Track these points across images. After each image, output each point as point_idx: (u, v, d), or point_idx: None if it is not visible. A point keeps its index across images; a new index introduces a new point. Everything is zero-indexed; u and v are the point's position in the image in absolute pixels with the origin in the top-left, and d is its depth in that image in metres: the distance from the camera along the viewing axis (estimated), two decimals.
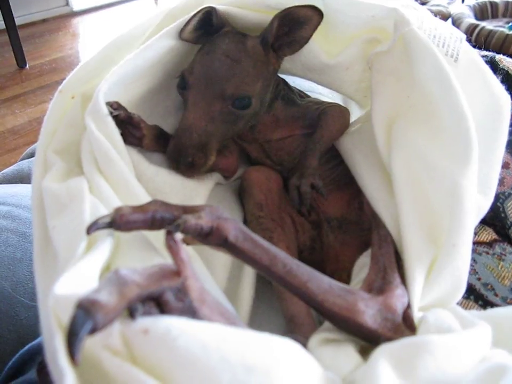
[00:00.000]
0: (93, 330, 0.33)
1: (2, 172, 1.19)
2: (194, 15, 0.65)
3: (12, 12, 3.00)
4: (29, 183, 1.11)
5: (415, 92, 0.58)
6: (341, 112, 0.74)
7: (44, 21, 4.06)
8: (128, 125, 0.62)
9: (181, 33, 0.65)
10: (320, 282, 0.47)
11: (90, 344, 0.34)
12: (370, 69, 0.65)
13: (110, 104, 0.59)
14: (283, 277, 0.46)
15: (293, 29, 0.66)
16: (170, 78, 0.68)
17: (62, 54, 3.48)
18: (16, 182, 1.14)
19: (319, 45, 0.70)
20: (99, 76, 0.65)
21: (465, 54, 0.60)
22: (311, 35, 0.67)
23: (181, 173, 0.63)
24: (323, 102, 0.78)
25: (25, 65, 3.23)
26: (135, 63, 0.62)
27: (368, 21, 0.64)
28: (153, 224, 0.45)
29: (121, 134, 0.61)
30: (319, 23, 0.66)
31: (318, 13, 0.65)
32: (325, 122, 0.71)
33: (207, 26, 0.66)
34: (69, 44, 3.67)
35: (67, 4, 4.22)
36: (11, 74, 3.16)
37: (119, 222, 0.43)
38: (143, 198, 0.54)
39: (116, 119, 0.59)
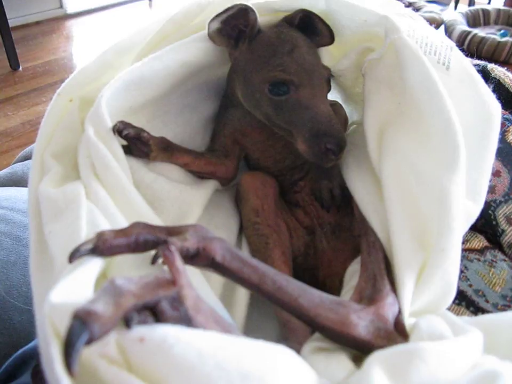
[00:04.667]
0: (90, 341, 0.33)
1: None
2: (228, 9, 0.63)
3: (5, 13, 2.99)
4: (23, 186, 1.11)
5: (405, 99, 0.59)
6: (342, 113, 0.76)
7: (37, 23, 4.06)
8: (136, 141, 0.62)
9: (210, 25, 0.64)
10: (311, 297, 0.47)
11: (87, 353, 0.34)
12: (363, 76, 0.65)
13: (116, 127, 0.59)
14: (273, 294, 0.46)
15: (305, 32, 0.67)
16: (175, 86, 0.68)
17: (56, 57, 3.47)
18: (9, 185, 1.14)
19: (325, 49, 0.72)
20: (98, 80, 0.65)
21: (457, 62, 0.61)
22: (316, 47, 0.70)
23: (339, 160, 0.61)
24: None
25: (19, 67, 3.22)
26: (142, 72, 0.62)
27: (361, 25, 0.65)
28: (136, 247, 0.45)
29: (128, 147, 0.61)
30: (326, 45, 0.69)
31: (331, 38, 0.68)
32: None
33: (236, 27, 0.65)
34: (62, 46, 3.67)
35: (61, 6, 4.21)
36: (4, 76, 3.16)
37: (102, 247, 0.43)
38: (139, 204, 0.55)
39: (126, 137, 0.60)
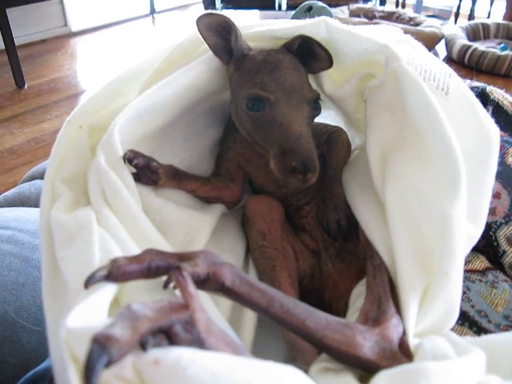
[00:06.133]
0: (108, 364, 0.34)
1: (3, 194, 1.21)
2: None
3: (11, 32, 3.03)
4: (30, 206, 1.12)
5: (407, 125, 0.60)
6: (345, 138, 0.77)
7: (42, 41, 4.11)
8: (145, 169, 0.63)
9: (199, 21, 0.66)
10: (317, 319, 0.48)
11: (104, 375, 0.35)
12: (365, 102, 0.67)
13: (127, 156, 0.60)
14: (281, 317, 0.47)
15: (305, 58, 0.69)
16: (184, 112, 0.69)
17: (60, 74, 3.51)
18: (17, 205, 1.16)
19: (326, 74, 0.73)
20: (107, 107, 0.67)
21: (456, 88, 0.62)
22: (316, 73, 0.72)
23: (307, 182, 0.60)
24: (327, 124, 0.81)
25: (24, 85, 3.26)
26: (153, 100, 0.63)
27: (362, 53, 0.67)
28: (149, 273, 0.47)
29: (137, 174, 0.63)
30: (326, 69, 0.70)
31: (330, 61, 0.69)
32: (336, 148, 0.74)
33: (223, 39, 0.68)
34: (67, 64, 3.71)
35: (65, 25, 4.28)
36: (10, 94, 3.20)
37: (116, 274, 0.45)
38: (149, 230, 0.56)
39: (135, 166, 0.61)
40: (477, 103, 0.63)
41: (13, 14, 3.17)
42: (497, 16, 4.17)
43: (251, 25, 0.72)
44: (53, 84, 3.35)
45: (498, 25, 3.78)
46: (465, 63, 3.39)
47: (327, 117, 0.88)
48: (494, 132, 0.61)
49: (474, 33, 3.74)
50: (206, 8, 4.23)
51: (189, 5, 5.14)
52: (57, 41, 4.16)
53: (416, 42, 0.69)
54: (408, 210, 0.56)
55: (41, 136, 2.72)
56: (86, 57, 3.93)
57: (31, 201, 1.17)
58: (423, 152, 0.57)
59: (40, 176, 1.29)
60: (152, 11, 4.93)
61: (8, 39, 3.04)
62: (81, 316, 0.40)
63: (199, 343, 0.41)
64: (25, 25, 3.94)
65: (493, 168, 0.60)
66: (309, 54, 0.68)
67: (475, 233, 0.57)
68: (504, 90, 0.86)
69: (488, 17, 4.21)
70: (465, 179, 0.53)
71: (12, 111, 2.98)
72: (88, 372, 0.33)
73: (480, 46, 3.38)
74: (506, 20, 3.93)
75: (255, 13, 4.73)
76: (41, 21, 4.11)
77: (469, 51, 3.33)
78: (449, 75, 0.63)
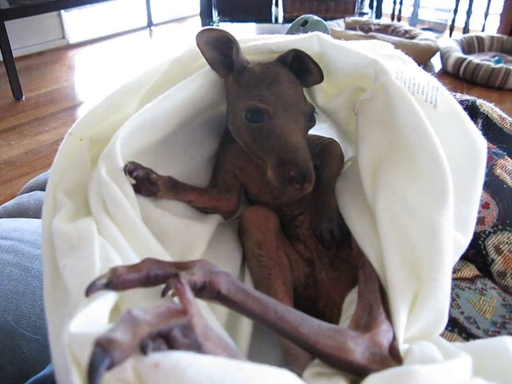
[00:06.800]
0: (110, 366, 0.36)
1: (3, 205, 1.21)
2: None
3: (9, 44, 3.05)
4: (29, 216, 1.13)
5: (396, 137, 0.62)
6: (339, 150, 0.79)
7: (40, 53, 4.14)
8: (145, 181, 0.64)
9: (199, 36, 0.67)
10: (310, 326, 0.49)
11: (105, 378, 0.37)
12: (356, 115, 0.69)
13: (127, 168, 0.61)
14: (275, 323, 0.49)
15: (299, 71, 0.71)
16: (182, 125, 0.71)
17: (58, 86, 3.53)
18: (17, 216, 1.16)
19: (319, 87, 0.75)
20: (106, 120, 0.69)
21: (444, 100, 0.64)
22: (309, 86, 0.74)
23: (304, 191, 0.62)
24: (321, 136, 0.83)
25: (22, 97, 3.28)
26: (154, 113, 0.65)
27: (352, 67, 0.68)
28: (147, 282, 0.48)
29: (137, 185, 0.64)
30: (317, 83, 0.72)
31: (321, 76, 0.71)
32: (330, 160, 0.77)
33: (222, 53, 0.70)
34: (64, 76, 3.73)
35: (63, 37, 4.30)
36: (7, 105, 3.21)
37: (116, 282, 0.46)
38: (148, 240, 0.58)
39: (135, 178, 0.63)
40: (464, 115, 0.64)
41: (11, 26, 3.18)
42: (492, 29, 4.22)
43: (247, 39, 0.74)
44: (51, 96, 3.37)
45: (492, 38, 3.83)
46: (460, 76, 3.43)
47: (321, 129, 0.89)
48: (481, 143, 0.62)
49: (469, 46, 3.78)
50: (203, 21, 4.26)
51: (186, 18, 5.17)
52: (55, 53, 4.19)
53: (406, 56, 0.71)
54: (397, 220, 0.57)
55: (38, 147, 2.73)
56: (83, 69, 3.95)
57: (30, 212, 1.17)
58: (412, 164, 0.59)
59: (39, 187, 1.30)
60: (150, 24, 4.95)
61: (6, 51, 3.06)
62: (83, 322, 0.41)
63: (196, 347, 0.42)
64: (23, 37, 3.97)
65: (480, 178, 0.61)
66: (302, 67, 0.70)
67: (463, 241, 0.58)
68: (493, 104, 0.88)
69: (483, 30, 4.25)
70: (453, 189, 0.55)
71: (9, 123, 3.00)
72: (92, 374, 0.35)
73: (475, 58, 3.43)
74: (500, 33, 3.98)
75: (251, 26, 4.77)
76: (39, 33, 4.14)
77: (464, 64, 3.37)
78: (437, 88, 0.65)
